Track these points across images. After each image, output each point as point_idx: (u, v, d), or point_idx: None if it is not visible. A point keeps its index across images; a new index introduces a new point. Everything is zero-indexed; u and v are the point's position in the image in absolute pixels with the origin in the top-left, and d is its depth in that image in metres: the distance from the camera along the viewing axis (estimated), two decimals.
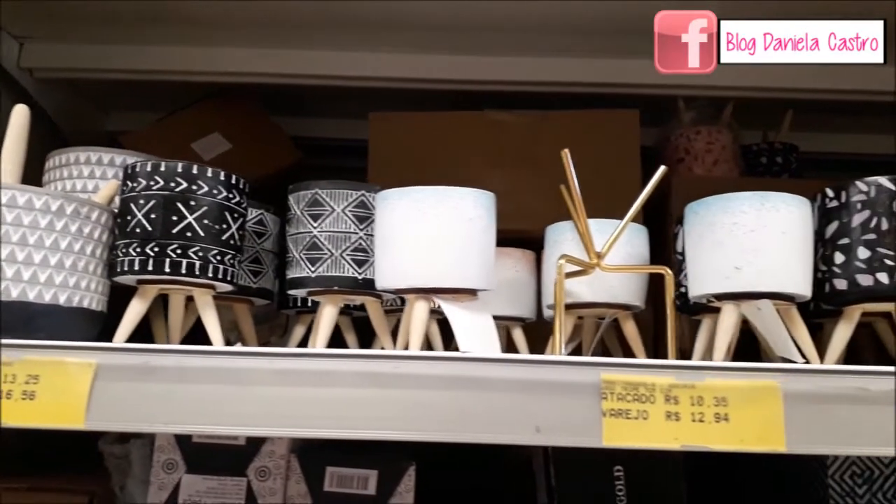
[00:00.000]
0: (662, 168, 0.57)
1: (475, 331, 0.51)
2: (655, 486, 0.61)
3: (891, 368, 0.47)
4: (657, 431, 0.46)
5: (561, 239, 0.64)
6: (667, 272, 0.57)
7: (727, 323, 0.54)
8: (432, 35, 0.88)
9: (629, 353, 0.66)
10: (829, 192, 0.56)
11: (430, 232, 0.50)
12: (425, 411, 0.46)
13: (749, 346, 0.65)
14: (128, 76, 0.99)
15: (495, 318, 0.69)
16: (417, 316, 0.51)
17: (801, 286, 0.53)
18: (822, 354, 0.58)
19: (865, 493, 0.71)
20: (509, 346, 0.73)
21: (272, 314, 0.79)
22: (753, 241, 0.52)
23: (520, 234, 0.72)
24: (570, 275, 0.60)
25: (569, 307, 0.64)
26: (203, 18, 0.92)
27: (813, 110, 1.02)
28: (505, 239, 0.71)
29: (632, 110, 0.83)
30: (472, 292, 0.53)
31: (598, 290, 0.61)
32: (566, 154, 0.54)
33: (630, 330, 0.63)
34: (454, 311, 0.50)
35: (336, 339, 0.68)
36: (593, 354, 0.67)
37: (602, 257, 0.58)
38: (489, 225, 0.53)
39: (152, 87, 1.02)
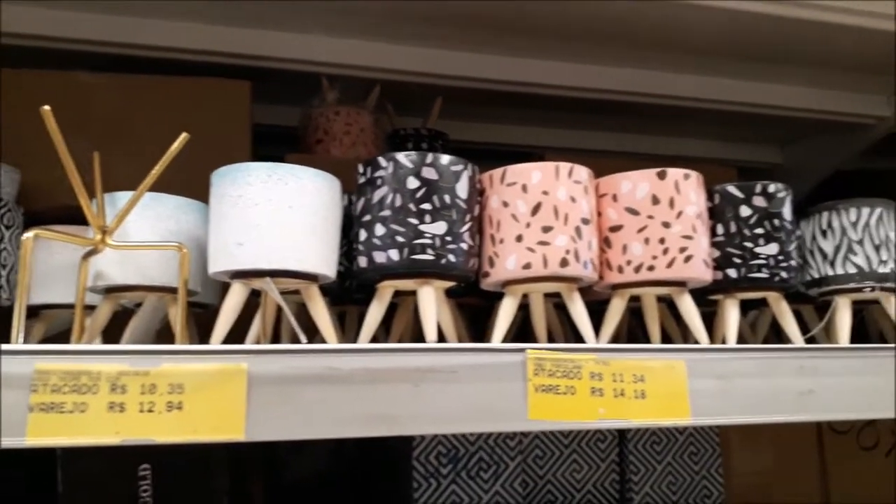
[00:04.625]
0: (184, 135, 0.52)
1: None
2: (190, 483, 0.56)
3: (358, 345, 0.46)
4: (96, 425, 0.41)
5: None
6: (181, 250, 0.52)
7: (232, 302, 0.50)
8: None
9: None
10: (360, 168, 0.55)
11: None
12: None
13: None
14: None
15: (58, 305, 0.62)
16: None
17: (314, 264, 0.51)
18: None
19: (450, 472, 0.72)
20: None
21: None
22: (257, 215, 0.49)
23: None
24: (89, 254, 0.53)
25: (107, 290, 0.57)
26: None
27: (466, 100, 1.05)
28: None
29: (242, 81, 0.78)
30: None
31: (129, 271, 0.55)
32: (47, 111, 0.47)
33: (174, 315, 0.58)
34: None
35: None
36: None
37: (109, 233, 0.51)
38: None
39: None
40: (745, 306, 0.78)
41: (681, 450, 0.80)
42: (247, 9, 0.85)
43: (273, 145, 0.91)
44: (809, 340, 0.68)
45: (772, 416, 0.53)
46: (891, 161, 1.19)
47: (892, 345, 0.59)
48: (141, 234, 0.55)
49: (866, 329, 0.82)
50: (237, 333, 0.57)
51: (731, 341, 0.60)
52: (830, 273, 0.65)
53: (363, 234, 0.53)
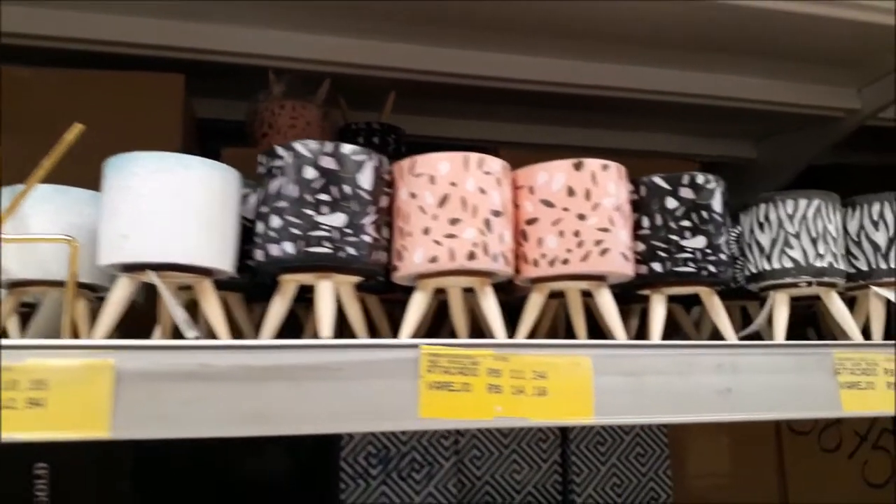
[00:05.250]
0: (78, 126, 0.51)
1: None
2: (92, 482, 0.55)
3: (235, 342, 0.44)
4: None
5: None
6: (71, 243, 0.51)
7: (116, 296, 0.49)
8: None
9: None
10: (261, 159, 0.53)
11: None
12: None
13: None
14: None
15: None
16: None
17: (204, 258, 0.49)
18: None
19: (380, 472, 0.70)
20: None
21: None
22: (143, 205, 0.48)
23: None
24: None
25: (10, 286, 0.56)
26: None
27: (422, 94, 1.03)
28: None
29: (176, 74, 0.76)
30: None
31: (29, 265, 0.54)
32: None
33: (80, 311, 0.56)
34: None
35: None
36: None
37: None
38: None
39: None
40: (689, 303, 0.76)
41: (626, 450, 0.78)
42: (194, 2, 0.83)
43: (221, 140, 0.89)
44: (752, 337, 0.66)
45: (686, 416, 0.51)
46: (862, 155, 1.16)
47: (821, 342, 0.57)
48: (41, 227, 0.54)
49: (818, 325, 0.79)
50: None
51: (655, 338, 0.58)
52: (767, 267, 0.63)
53: (261, 227, 0.51)
